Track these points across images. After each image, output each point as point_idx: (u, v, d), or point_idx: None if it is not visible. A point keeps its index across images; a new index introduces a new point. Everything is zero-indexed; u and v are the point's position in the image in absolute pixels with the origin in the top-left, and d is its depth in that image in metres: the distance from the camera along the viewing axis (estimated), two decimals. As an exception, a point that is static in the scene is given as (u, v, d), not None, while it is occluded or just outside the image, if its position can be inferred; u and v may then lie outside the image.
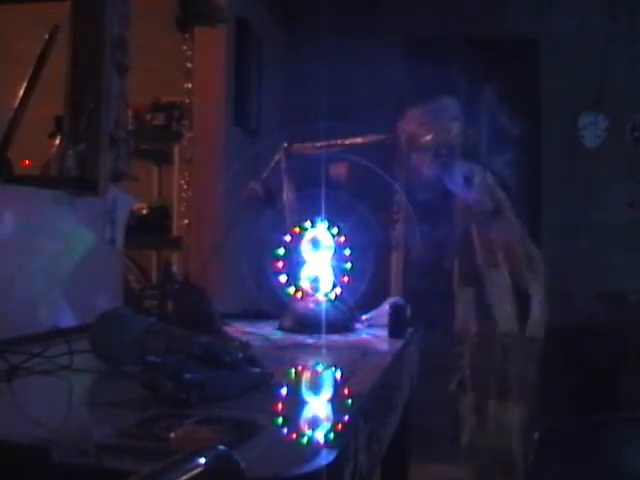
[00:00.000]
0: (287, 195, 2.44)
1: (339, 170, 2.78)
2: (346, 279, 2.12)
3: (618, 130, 4.73)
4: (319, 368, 1.65)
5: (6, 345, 1.43)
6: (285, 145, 2.58)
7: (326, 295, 2.10)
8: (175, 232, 3.40)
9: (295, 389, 1.40)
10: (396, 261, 2.75)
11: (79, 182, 2.03)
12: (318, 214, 2.10)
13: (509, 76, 4.62)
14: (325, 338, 1.93)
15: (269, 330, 2.05)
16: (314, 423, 1.14)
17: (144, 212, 3.42)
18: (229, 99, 3.82)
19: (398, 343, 1.88)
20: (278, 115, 4.65)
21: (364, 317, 2.19)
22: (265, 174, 2.60)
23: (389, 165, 2.71)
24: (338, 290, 2.11)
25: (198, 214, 3.32)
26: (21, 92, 1.93)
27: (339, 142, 2.65)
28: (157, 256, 3.65)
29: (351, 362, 1.67)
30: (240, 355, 1.25)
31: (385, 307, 2.10)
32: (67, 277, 1.94)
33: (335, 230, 2.11)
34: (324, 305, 2.07)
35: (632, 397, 3.37)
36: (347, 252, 2.12)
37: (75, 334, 1.52)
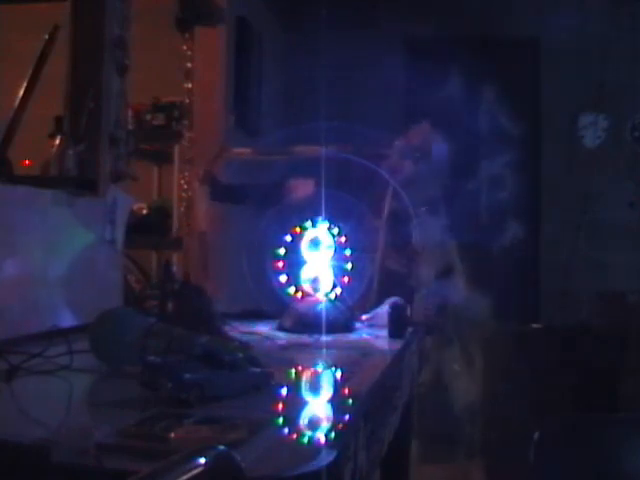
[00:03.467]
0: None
1: (302, 189, 2.49)
2: (346, 279, 2.12)
3: (618, 130, 4.73)
4: (319, 368, 1.65)
5: (6, 345, 1.43)
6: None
7: (326, 295, 2.10)
8: (175, 232, 3.40)
9: (295, 389, 1.39)
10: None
11: (79, 182, 2.02)
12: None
13: (509, 76, 4.63)
14: (325, 338, 1.93)
15: (269, 330, 2.05)
16: (314, 423, 1.14)
17: (144, 212, 3.42)
18: (229, 99, 3.82)
19: (398, 343, 1.88)
20: (278, 115, 4.65)
21: (364, 317, 2.19)
22: (211, 158, 2.58)
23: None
24: (338, 290, 2.11)
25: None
26: (21, 92, 1.93)
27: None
28: (157, 256, 3.64)
29: (351, 362, 1.66)
30: (240, 355, 1.25)
31: (385, 307, 2.10)
32: (67, 277, 1.93)
33: (336, 230, 2.11)
34: (324, 305, 2.07)
35: (632, 397, 3.37)
36: (347, 252, 2.12)
37: (75, 334, 1.52)
